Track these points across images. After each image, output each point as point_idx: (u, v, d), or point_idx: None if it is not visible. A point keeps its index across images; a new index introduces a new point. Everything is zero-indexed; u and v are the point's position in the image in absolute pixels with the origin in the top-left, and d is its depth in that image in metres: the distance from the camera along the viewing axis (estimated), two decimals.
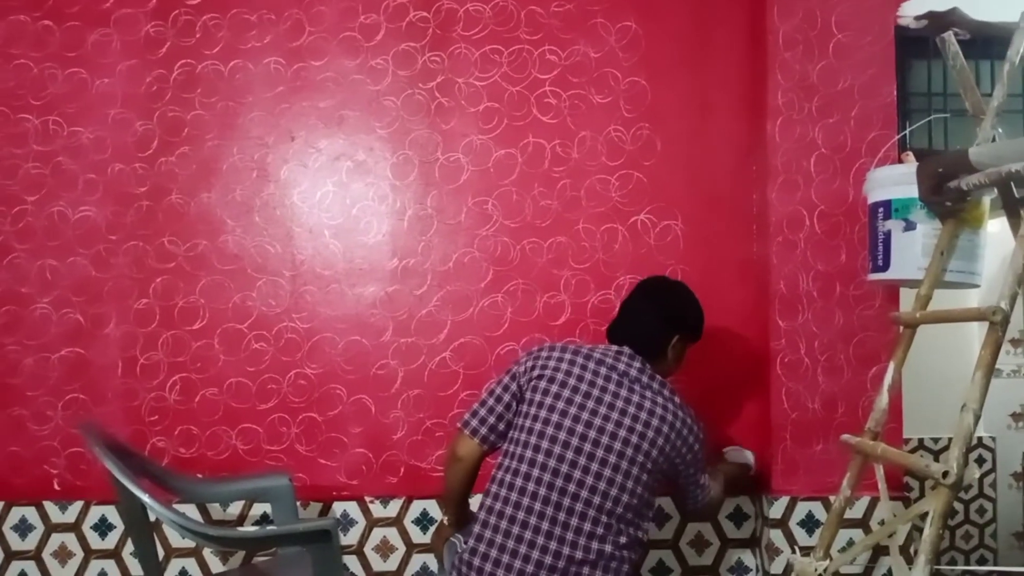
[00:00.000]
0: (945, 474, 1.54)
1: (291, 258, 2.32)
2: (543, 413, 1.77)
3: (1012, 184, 1.80)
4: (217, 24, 2.33)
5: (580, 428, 1.75)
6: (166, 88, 2.33)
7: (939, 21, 2.00)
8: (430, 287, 2.32)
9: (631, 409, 1.76)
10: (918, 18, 2.12)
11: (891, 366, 1.89)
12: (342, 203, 2.34)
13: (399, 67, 2.33)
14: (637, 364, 1.83)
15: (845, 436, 1.95)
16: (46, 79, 2.33)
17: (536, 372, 1.82)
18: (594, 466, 1.73)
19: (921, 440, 3.34)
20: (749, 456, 2.23)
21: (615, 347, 1.87)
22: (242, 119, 2.33)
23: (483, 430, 1.85)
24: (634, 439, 1.74)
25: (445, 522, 2.04)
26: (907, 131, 2.19)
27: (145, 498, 1.71)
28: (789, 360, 2.19)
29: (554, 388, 1.79)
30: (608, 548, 1.72)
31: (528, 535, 1.71)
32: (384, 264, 2.32)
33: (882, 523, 1.91)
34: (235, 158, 2.33)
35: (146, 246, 2.31)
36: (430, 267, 2.32)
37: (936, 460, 1.63)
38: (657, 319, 1.89)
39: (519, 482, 1.75)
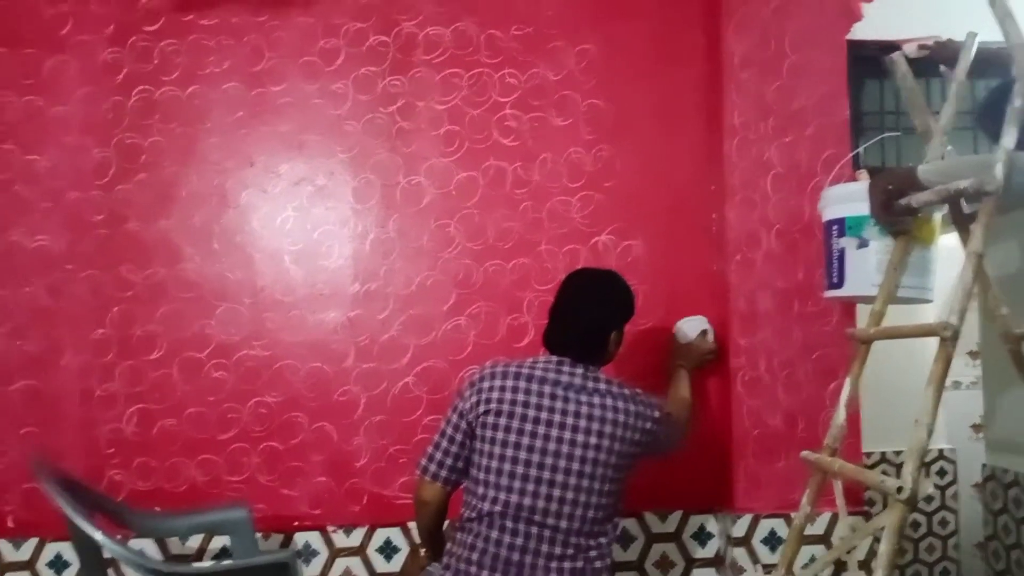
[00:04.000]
0: (899, 489, 1.55)
1: (251, 284, 2.30)
2: (497, 450, 1.78)
3: (961, 201, 1.84)
4: (175, 50, 2.32)
5: (536, 458, 1.76)
6: (123, 114, 2.30)
7: (936, 52, 2.05)
8: (392, 311, 2.31)
9: (582, 422, 1.77)
10: (921, 47, 2.16)
11: (847, 382, 1.91)
12: (303, 228, 2.32)
13: (359, 91, 2.33)
14: (580, 371, 1.83)
15: (805, 453, 1.97)
16: (1, 106, 2.29)
17: (482, 408, 1.81)
18: (556, 492, 1.74)
19: (883, 453, 3.38)
20: (703, 322, 2.23)
21: (555, 358, 1.86)
22: (201, 145, 2.31)
23: (443, 472, 1.85)
24: (591, 454, 1.75)
25: (421, 553, 2.02)
26: (860, 149, 2.24)
27: (98, 536, 1.67)
28: (750, 377, 2.20)
29: (503, 421, 1.78)
30: (580, 564, 1.76)
31: (500, 566, 1.74)
32: (346, 289, 2.31)
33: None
34: (194, 184, 2.30)
35: (103, 275, 2.27)
36: (392, 291, 2.31)
37: (898, 473, 1.64)
38: (591, 323, 1.88)
39: (483, 529, 1.77)
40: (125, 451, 2.25)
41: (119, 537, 2.13)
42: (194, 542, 2.24)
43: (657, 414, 1.86)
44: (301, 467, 2.27)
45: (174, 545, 2.23)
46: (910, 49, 2.07)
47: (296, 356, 2.29)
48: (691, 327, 2.22)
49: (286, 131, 2.32)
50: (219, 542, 2.23)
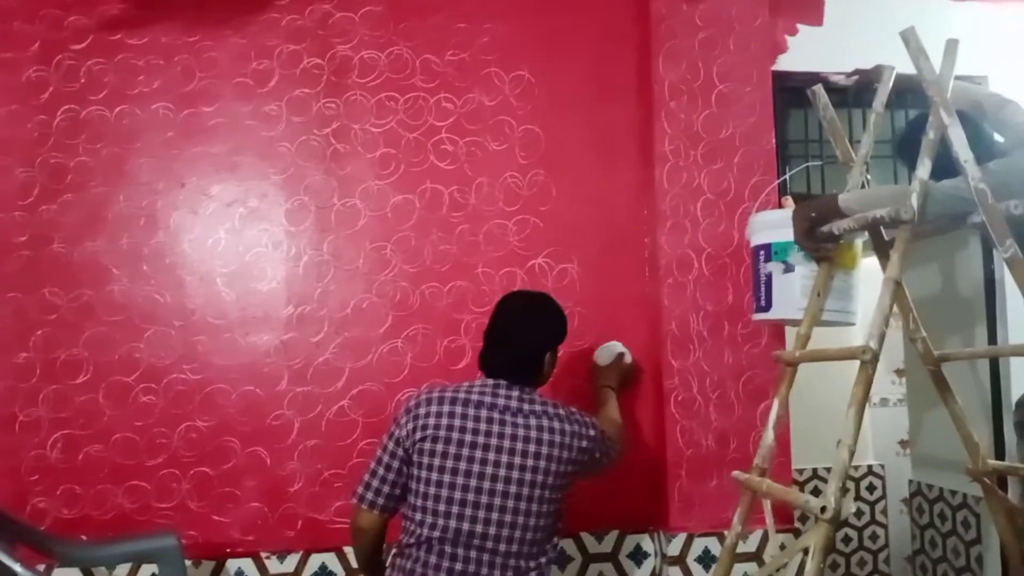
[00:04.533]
0: (823, 509, 1.60)
1: (181, 307, 2.25)
2: (434, 476, 1.78)
3: (880, 228, 1.91)
4: (103, 69, 2.27)
5: (473, 482, 1.76)
6: (49, 134, 2.24)
7: (867, 77, 2.11)
8: (327, 334, 2.28)
9: (519, 445, 1.78)
10: (849, 75, 2.23)
11: (775, 403, 1.95)
12: (235, 250, 2.29)
13: (293, 113, 2.32)
14: (516, 393, 1.85)
15: (735, 473, 2.00)
16: None
17: (418, 435, 1.81)
18: (494, 516, 1.75)
19: (815, 470, 3.46)
20: (619, 346, 2.27)
21: (491, 381, 1.87)
22: (130, 165, 2.26)
23: (380, 500, 1.84)
24: (528, 476, 1.77)
25: None
26: (786, 176, 2.30)
27: (17, 568, 1.61)
28: (683, 398, 2.24)
29: (439, 447, 1.79)
30: None
31: None
32: (279, 311, 2.28)
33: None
34: (122, 205, 2.25)
35: (26, 297, 2.20)
36: (327, 314, 2.29)
37: None
38: (525, 345, 1.90)
39: (422, 555, 1.77)
40: (50, 478, 2.17)
41: (42, 567, 2.08)
42: (122, 571, 2.17)
43: (593, 432, 1.88)
44: (233, 492, 2.22)
45: (100, 575, 2.17)
46: (839, 78, 2.13)
47: (228, 380, 2.25)
48: (607, 353, 2.26)
49: (218, 152, 2.29)
50: (148, 571, 2.16)
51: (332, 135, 2.32)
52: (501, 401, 1.83)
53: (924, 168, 1.72)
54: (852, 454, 1.66)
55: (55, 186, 2.24)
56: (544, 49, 2.41)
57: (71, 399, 2.20)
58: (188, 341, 2.24)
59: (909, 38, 1.75)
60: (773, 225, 2.03)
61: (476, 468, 1.77)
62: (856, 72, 2.19)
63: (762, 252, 2.05)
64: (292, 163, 2.31)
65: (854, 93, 2.29)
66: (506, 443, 1.79)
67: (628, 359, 2.28)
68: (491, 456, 1.78)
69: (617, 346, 2.27)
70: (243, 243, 2.29)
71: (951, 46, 1.81)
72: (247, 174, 2.30)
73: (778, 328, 2.27)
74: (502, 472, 1.76)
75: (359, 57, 2.34)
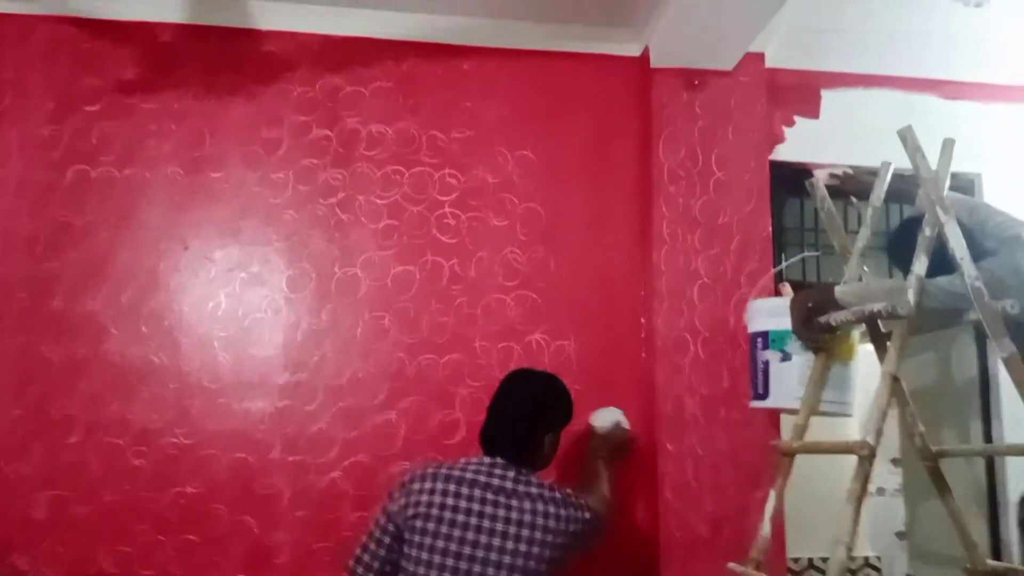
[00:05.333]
0: None
1: (177, 369, 2.25)
2: (425, 555, 1.76)
3: (877, 321, 1.92)
4: (115, 130, 2.31)
5: (464, 565, 1.74)
6: (57, 190, 2.27)
7: (850, 182, 2.16)
8: (322, 403, 2.27)
9: (512, 528, 1.77)
10: (832, 175, 2.27)
11: (772, 494, 1.93)
12: (234, 314, 2.29)
13: (300, 182, 2.35)
14: (511, 474, 1.83)
15: (731, 565, 1.96)
16: None
17: (411, 511, 1.80)
18: None
19: (811, 560, 3.39)
20: (617, 413, 2.23)
21: (488, 460, 1.87)
22: (135, 225, 2.28)
23: (370, 575, 1.84)
24: (519, 561, 1.75)
25: None
26: (782, 266, 2.33)
27: None
28: (677, 482, 2.22)
29: (431, 526, 1.77)
30: None
31: None
32: (275, 378, 2.27)
33: None
34: (125, 264, 2.27)
35: (23, 351, 2.19)
36: (322, 382, 2.28)
37: None
38: (526, 425, 1.90)
39: None
40: (34, 535, 2.13)
41: None
42: None
43: (587, 515, 1.86)
44: (219, 562, 2.17)
45: None
46: (821, 176, 2.18)
47: (219, 445, 2.23)
48: (605, 418, 2.24)
49: (223, 216, 2.32)
50: None
51: (337, 205, 2.35)
52: (496, 481, 1.82)
53: (920, 264, 1.74)
54: (850, 551, 1.64)
55: (60, 241, 2.26)
56: (547, 130, 2.46)
57: (61, 457, 2.17)
58: (182, 404, 2.23)
59: (907, 136, 1.79)
60: (771, 313, 2.04)
61: (467, 550, 1.75)
62: (836, 176, 2.24)
63: (760, 339, 2.06)
64: (296, 230, 2.33)
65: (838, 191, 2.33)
66: (499, 525, 1.77)
67: (625, 426, 2.26)
68: (482, 538, 1.76)
69: (615, 412, 2.24)
70: (243, 307, 2.30)
71: (947, 145, 1.85)
72: (251, 239, 2.32)
73: (774, 415, 2.26)
74: (493, 555, 1.74)
75: (367, 131, 2.39)
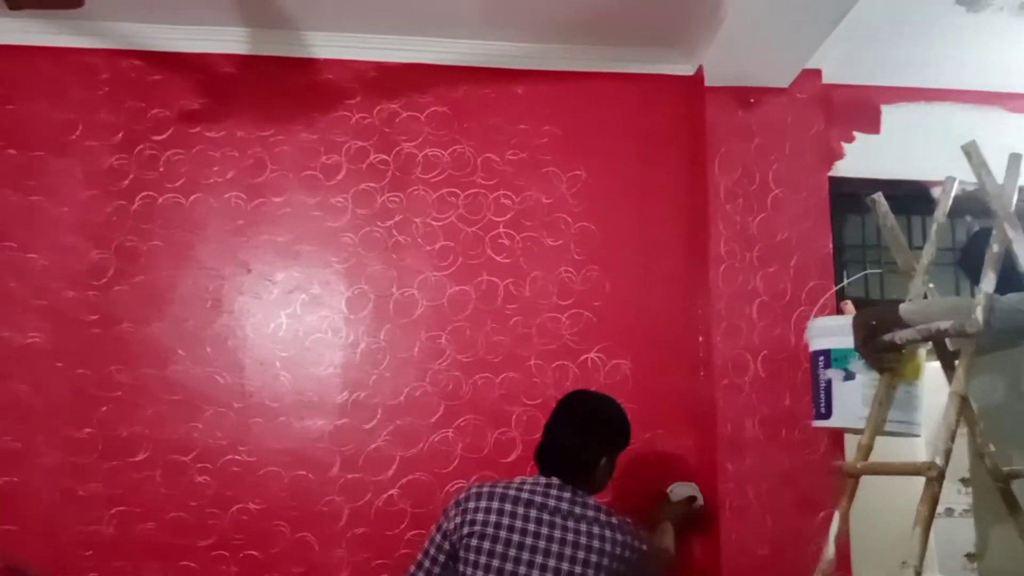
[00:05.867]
0: None
1: (240, 389, 2.30)
2: (480, 574, 1.75)
3: (944, 339, 1.88)
4: (180, 159, 2.39)
5: None
6: (126, 218, 2.35)
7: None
8: (380, 421, 2.30)
9: (567, 550, 1.75)
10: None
11: (836, 515, 1.89)
12: (295, 335, 2.34)
13: (358, 205, 2.40)
14: (567, 495, 1.82)
15: None
16: (3, 205, 2.34)
17: (466, 530, 1.79)
18: None
19: None
20: (694, 488, 2.22)
21: (543, 479, 1.86)
22: (199, 250, 2.36)
23: None
24: None
25: None
26: (845, 283, 2.29)
27: None
28: (737, 504, 2.19)
29: (486, 545, 1.77)
30: None
31: None
32: (334, 397, 2.31)
33: None
34: (189, 288, 2.34)
35: (92, 374, 2.27)
36: (380, 401, 2.31)
37: None
38: (582, 447, 1.88)
39: None
40: (102, 553, 2.20)
41: None
42: None
43: (643, 546, 1.84)
44: None
45: None
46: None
47: (280, 463, 2.27)
48: (681, 492, 2.23)
49: (283, 241, 2.38)
50: None
51: (394, 227, 2.39)
52: (552, 502, 1.81)
53: (988, 281, 1.70)
54: (918, 575, 1.59)
55: (128, 268, 2.33)
56: (600, 150, 2.47)
57: (129, 476, 2.24)
58: (244, 423, 2.28)
59: (971, 152, 1.76)
60: (833, 331, 2.00)
61: (522, 570, 1.74)
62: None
63: (821, 358, 2.03)
64: (354, 253, 2.38)
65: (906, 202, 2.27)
66: (554, 547, 1.76)
67: (700, 502, 2.24)
68: (538, 559, 1.74)
69: (692, 488, 2.24)
70: (303, 328, 2.35)
71: (1014, 160, 1.81)
72: (311, 262, 2.37)
73: (837, 435, 2.22)
74: None
75: (423, 154, 2.43)
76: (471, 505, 1.82)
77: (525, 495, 1.82)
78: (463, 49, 2.47)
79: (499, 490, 1.83)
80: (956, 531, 3.49)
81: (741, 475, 2.20)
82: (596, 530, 1.78)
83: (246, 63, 2.45)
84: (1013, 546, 2.26)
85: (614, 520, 1.82)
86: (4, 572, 1.72)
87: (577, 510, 1.81)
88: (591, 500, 1.85)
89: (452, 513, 1.84)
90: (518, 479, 1.88)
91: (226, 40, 2.43)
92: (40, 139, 2.38)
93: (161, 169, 2.38)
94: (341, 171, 2.41)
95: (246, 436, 2.28)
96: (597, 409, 1.96)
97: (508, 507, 1.80)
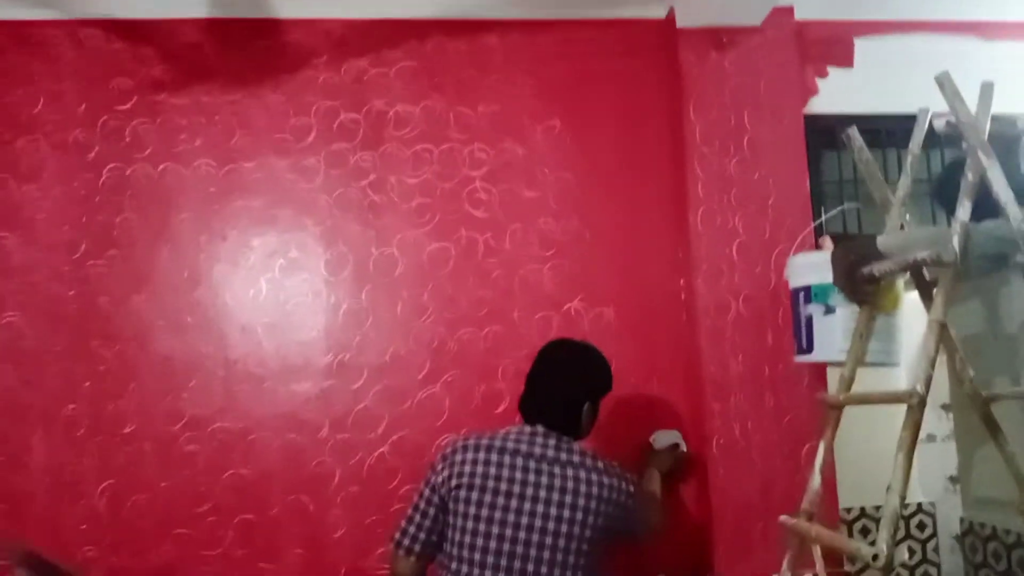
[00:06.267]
0: (875, 557, 1.57)
1: (224, 357, 2.29)
2: (470, 524, 1.78)
3: (922, 269, 1.89)
4: (147, 128, 2.34)
5: (509, 532, 1.76)
6: (95, 192, 2.31)
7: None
8: (366, 381, 2.31)
9: (555, 495, 1.78)
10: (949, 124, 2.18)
11: (821, 446, 1.93)
12: (275, 300, 2.33)
13: (331, 167, 2.37)
14: (552, 442, 1.85)
15: (783, 518, 1.96)
16: None
17: (454, 482, 1.82)
18: (530, 567, 1.75)
19: (863, 508, 3.38)
20: (676, 436, 2.26)
21: (528, 428, 1.88)
22: (173, 221, 2.32)
23: (416, 547, 1.85)
24: (564, 527, 1.76)
25: None
26: (822, 219, 2.30)
27: None
28: (724, 442, 2.22)
29: (475, 495, 1.79)
30: None
31: None
32: (319, 360, 2.31)
33: None
34: (166, 259, 2.31)
35: (74, 351, 2.25)
36: (365, 361, 2.31)
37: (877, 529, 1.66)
38: (564, 394, 1.91)
39: None
40: (98, 527, 2.21)
41: None
42: None
43: (631, 488, 1.87)
44: (277, 540, 2.23)
45: None
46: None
47: (270, 428, 2.28)
48: (664, 439, 2.26)
49: (258, 206, 2.35)
50: None
51: (369, 187, 2.37)
52: (538, 450, 1.83)
53: (964, 210, 1.71)
54: (903, 500, 1.63)
55: (101, 242, 2.30)
56: (574, 99, 2.45)
57: (118, 449, 2.23)
58: (230, 391, 2.28)
59: (944, 82, 1.75)
60: (812, 267, 2.02)
61: (512, 517, 1.77)
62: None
63: (801, 294, 2.04)
64: (330, 215, 2.35)
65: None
66: (542, 492, 1.78)
67: (683, 448, 2.27)
68: (527, 505, 1.77)
69: (675, 435, 2.27)
70: (284, 293, 2.33)
71: (986, 89, 1.81)
72: (287, 226, 2.35)
73: (819, 369, 2.24)
74: (537, 522, 1.76)
75: (394, 111, 2.40)
76: (458, 458, 1.84)
77: (511, 444, 1.84)
78: (431, 1, 2.41)
79: (484, 441, 1.86)
80: (939, 456, 3.57)
81: (727, 414, 2.23)
82: (583, 475, 1.81)
83: (209, 27, 2.38)
84: (994, 468, 2.32)
85: (600, 464, 1.85)
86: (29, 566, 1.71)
87: (563, 456, 1.83)
88: (576, 446, 1.87)
89: (440, 467, 1.86)
90: (503, 430, 1.90)
91: (187, 4, 2.36)
92: (2, 116, 2.31)
93: (127, 140, 2.33)
94: (312, 132, 2.37)
95: (233, 403, 2.27)
96: (576, 356, 1.97)
97: (494, 457, 1.82)
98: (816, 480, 1.91)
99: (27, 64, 2.34)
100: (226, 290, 2.32)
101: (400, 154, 2.39)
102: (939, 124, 2.06)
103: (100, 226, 2.30)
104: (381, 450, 2.28)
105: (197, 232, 2.33)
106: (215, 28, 2.39)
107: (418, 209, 2.37)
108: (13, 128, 2.31)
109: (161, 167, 2.33)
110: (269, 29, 2.40)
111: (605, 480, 1.82)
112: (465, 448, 1.85)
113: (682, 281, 2.37)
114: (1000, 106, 1.83)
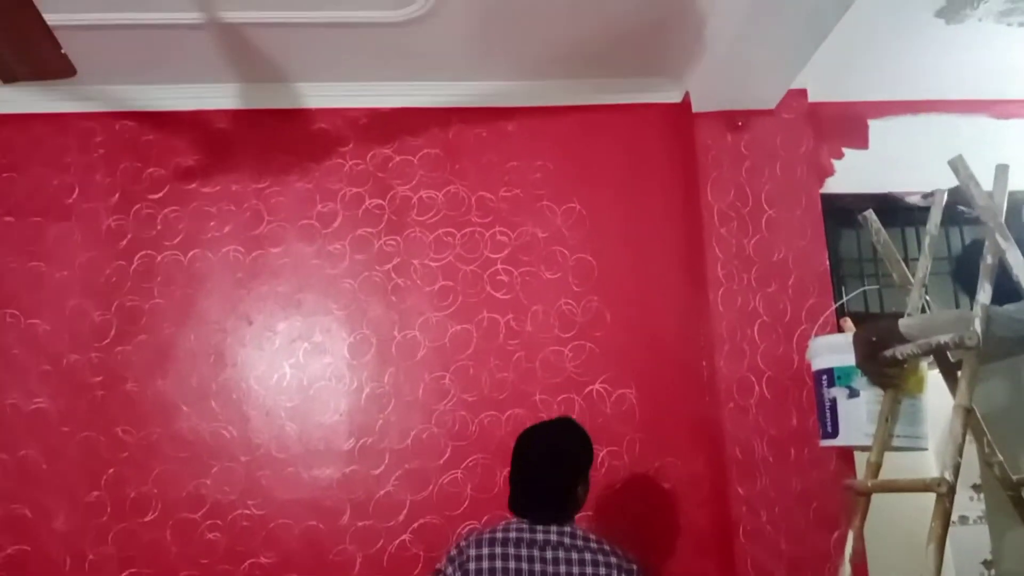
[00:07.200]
0: None
1: (247, 442, 2.30)
2: None
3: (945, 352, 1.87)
4: (177, 216, 2.41)
5: None
6: (126, 278, 2.37)
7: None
8: (388, 466, 2.30)
9: None
10: (925, 196, 2.21)
11: (850, 534, 1.88)
12: (299, 384, 2.35)
13: (356, 251, 2.42)
14: (554, 528, 1.81)
15: None
16: (4, 273, 2.36)
17: None
18: None
19: None
20: None
21: (526, 522, 1.83)
22: (200, 305, 2.37)
23: None
24: None
25: None
26: (843, 301, 2.29)
27: None
28: (750, 528, 2.17)
29: None
30: None
31: None
32: (341, 444, 2.31)
33: None
34: (192, 344, 2.35)
35: (99, 436, 2.27)
36: (387, 445, 2.31)
37: None
38: (553, 485, 1.85)
39: None
40: None
41: None
42: None
43: (635, 567, 1.83)
44: None
45: None
46: (914, 198, 2.07)
47: (291, 514, 2.26)
48: None
49: (284, 291, 2.39)
50: None
51: (393, 270, 2.41)
52: (540, 536, 1.81)
53: (985, 293, 1.70)
54: None
55: (130, 327, 2.35)
56: (593, 182, 2.49)
57: (139, 536, 2.23)
58: (252, 476, 2.28)
59: (958, 166, 1.77)
60: (834, 349, 2.00)
61: None
62: (931, 193, 2.19)
63: (824, 376, 2.03)
64: (354, 298, 2.39)
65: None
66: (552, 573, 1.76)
67: None
68: None
69: None
70: (307, 377, 2.35)
71: (1001, 171, 1.82)
72: (311, 310, 2.38)
73: (847, 452, 2.21)
74: None
75: (417, 197, 2.46)
76: (465, 556, 1.81)
77: (513, 534, 1.82)
78: (452, 91, 2.50)
79: (486, 535, 1.83)
80: (972, 538, 3.46)
81: (753, 498, 2.19)
82: (589, 556, 1.79)
83: (238, 117, 2.48)
84: None
85: (605, 546, 1.82)
86: None
87: (567, 540, 1.81)
88: (579, 530, 1.84)
89: (450, 570, 1.83)
90: (503, 522, 1.86)
91: (217, 96, 2.47)
92: (38, 204, 2.41)
93: (159, 227, 2.40)
94: (337, 218, 2.43)
95: (255, 489, 2.27)
96: (556, 442, 1.92)
97: (498, 550, 1.79)
98: (847, 570, 1.86)
99: (64, 154, 2.44)
100: (250, 374, 2.35)
101: (423, 238, 2.43)
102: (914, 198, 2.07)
103: (129, 312, 2.35)
104: (403, 538, 2.26)
105: (223, 317, 2.37)
106: (244, 118, 2.49)
107: (440, 292, 2.40)
108: (50, 216, 2.40)
109: (191, 253, 2.39)
110: (296, 118, 2.50)
111: (613, 560, 1.79)
112: (468, 545, 1.83)
113: (704, 362, 2.36)
114: (1015, 183, 1.84)
